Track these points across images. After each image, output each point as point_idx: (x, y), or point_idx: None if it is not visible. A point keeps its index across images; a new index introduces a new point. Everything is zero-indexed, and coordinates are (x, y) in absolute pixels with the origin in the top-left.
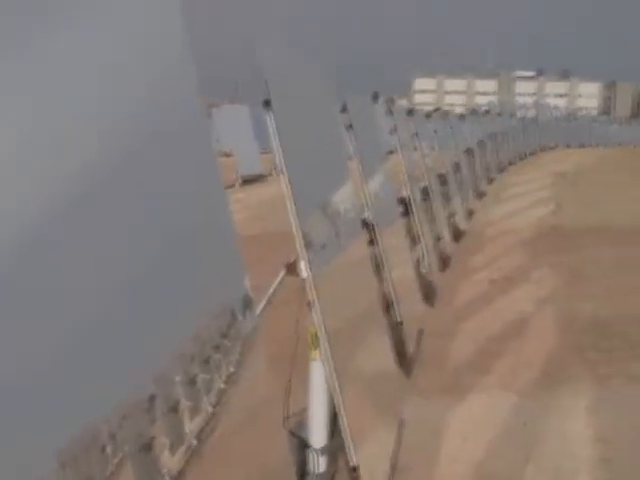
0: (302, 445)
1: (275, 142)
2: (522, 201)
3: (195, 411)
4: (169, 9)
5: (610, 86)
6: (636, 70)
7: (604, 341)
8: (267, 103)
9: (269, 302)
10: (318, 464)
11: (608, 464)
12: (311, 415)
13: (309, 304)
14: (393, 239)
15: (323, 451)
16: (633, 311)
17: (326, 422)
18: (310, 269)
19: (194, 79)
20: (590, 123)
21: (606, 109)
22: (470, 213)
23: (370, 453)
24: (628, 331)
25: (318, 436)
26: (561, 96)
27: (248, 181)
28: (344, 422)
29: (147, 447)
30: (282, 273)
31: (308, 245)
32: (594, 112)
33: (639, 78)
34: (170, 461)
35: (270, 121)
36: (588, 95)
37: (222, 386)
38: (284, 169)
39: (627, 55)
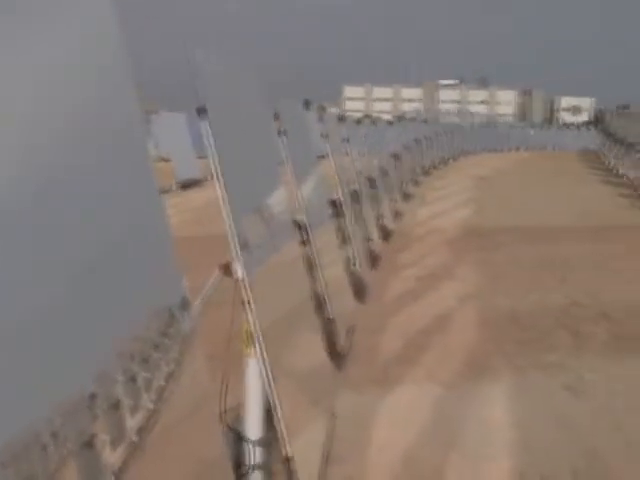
0: (238, 438)
1: (209, 148)
2: (446, 203)
3: (136, 408)
4: (105, 16)
5: (526, 94)
6: (549, 79)
7: (521, 334)
8: (201, 110)
9: (205, 302)
10: (254, 456)
11: (527, 449)
12: (246, 409)
13: (243, 303)
14: (325, 239)
15: (258, 443)
16: (547, 306)
17: (261, 415)
18: (244, 270)
19: (131, 85)
20: (508, 129)
21: (522, 115)
22: (398, 214)
23: (304, 444)
24: (542, 324)
25: (253, 429)
26: (481, 103)
27: (185, 186)
28: (278, 415)
29: (88, 444)
30: (217, 274)
31: (242, 246)
32: (512, 118)
33: (552, 86)
34: (112, 457)
35: (204, 127)
36: (506, 102)
37: (162, 383)
38: (218, 174)
39: (541, 65)
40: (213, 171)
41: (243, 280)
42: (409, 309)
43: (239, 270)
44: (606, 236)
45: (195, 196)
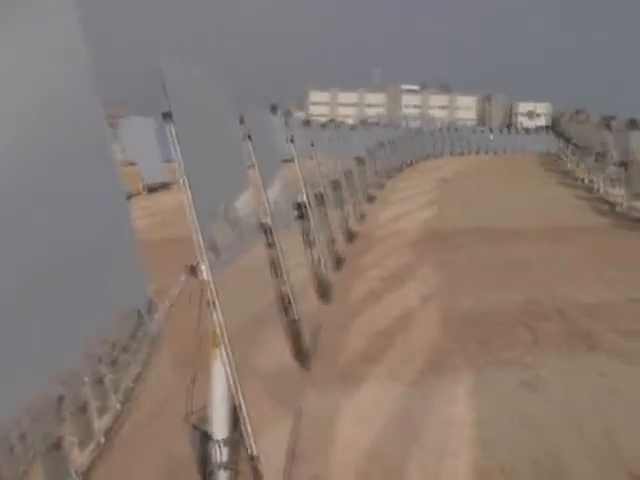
0: (205, 438)
1: (175, 152)
2: (408, 205)
3: (103, 410)
4: (70, 21)
5: (486, 99)
6: (508, 85)
7: (481, 332)
8: (167, 115)
9: (173, 304)
10: (220, 455)
11: (486, 443)
12: (213, 409)
13: (210, 305)
14: (291, 241)
15: (225, 442)
16: (506, 305)
17: (227, 415)
18: (210, 271)
19: (96, 90)
20: (468, 133)
21: (482, 120)
22: (362, 216)
23: (269, 443)
24: (502, 323)
25: (220, 428)
26: (443, 108)
27: (153, 189)
28: (244, 414)
29: (56, 446)
30: (184, 276)
31: (209, 249)
32: (472, 123)
33: (511, 92)
34: (79, 458)
35: (170, 132)
36: (466, 107)
37: (130, 385)
38: (184, 177)
39: (500, 71)
40: (179, 174)
41: (209, 282)
42: (372, 309)
43: (205, 272)
44: (562, 237)
45: (163, 199)
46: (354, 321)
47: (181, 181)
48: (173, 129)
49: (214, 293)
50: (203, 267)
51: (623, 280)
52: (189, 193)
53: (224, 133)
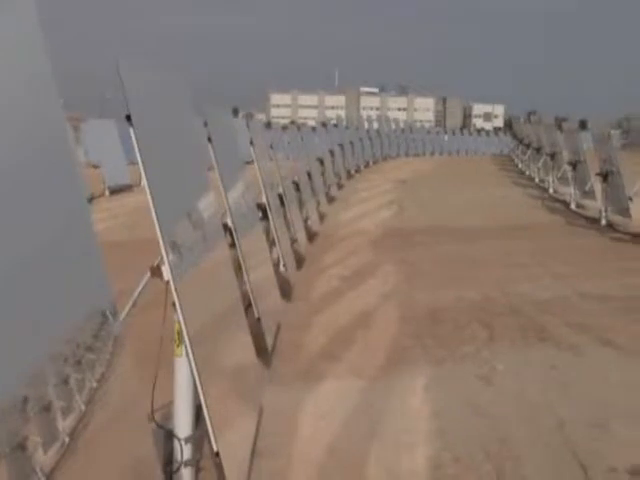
0: (169, 436)
1: (138, 154)
2: (368, 204)
3: (68, 410)
4: (29, 26)
5: (442, 101)
6: (463, 87)
7: (438, 328)
8: (129, 117)
9: (136, 304)
10: (183, 452)
11: (443, 435)
12: (176, 407)
13: (173, 304)
14: (253, 241)
15: (188, 440)
16: (463, 301)
17: (191, 413)
18: (173, 272)
19: (56, 94)
20: (425, 134)
21: (439, 121)
22: (322, 216)
23: (233, 439)
24: (458, 318)
25: (183, 426)
26: (401, 110)
27: (116, 191)
28: (207, 412)
29: (20, 447)
30: (147, 276)
31: (172, 249)
32: (429, 124)
33: (467, 94)
34: (44, 459)
35: (132, 134)
36: (424, 109)
37: (94, 385)
38: (146, 178)
39: (457, 74)
40: (141, 176)
41: (171, 282)
42: (333, 307)
43: (168, 272)
44: (516, 235)
45: (126, 201)
46: (315, 319)
47: (143, 183)
48: (134, 132)
49: (176, 293)
50: (166, 267)
51: (574, 275)
52: (151, 194)
53: (186, 136)
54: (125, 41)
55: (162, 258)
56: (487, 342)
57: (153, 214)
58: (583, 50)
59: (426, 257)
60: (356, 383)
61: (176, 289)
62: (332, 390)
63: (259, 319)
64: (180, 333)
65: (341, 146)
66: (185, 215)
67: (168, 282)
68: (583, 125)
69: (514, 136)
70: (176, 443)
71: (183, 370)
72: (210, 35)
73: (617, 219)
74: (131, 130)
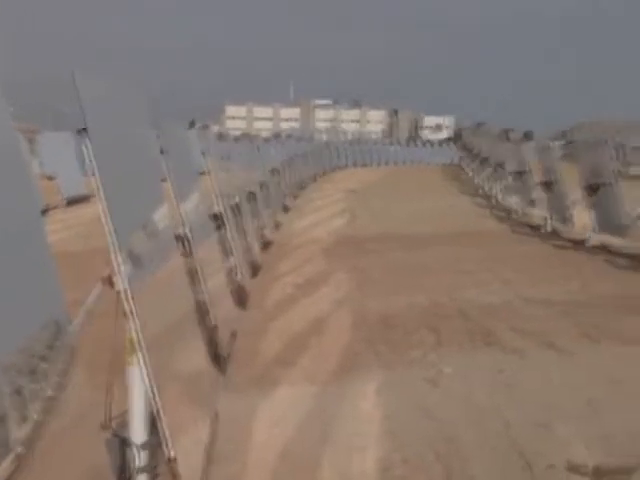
0: (124, 443)
1: (91, 166)
2: (321, 214)
3: (22, 420)
4: None
5: (394, 113)
6: (415, 100)
7: (389, 333)
8: (83, 129)
9: (91, 313)
10: (139, 459)
11: (393, 437)
12: (131, 414)
13: (126, 314)
14: (208, 251)
15: (143, 447)
16: (412, 307)
17: (146, 420)
18: (125, 281)
19: (6, 107)
20: (376, 145)
21: (389, 133)
22: (277, 225)
23: (187, 446)
24: (408, 324)
25: (138, 433)
26: (354, 122)
27: (72, 202)
28: (161, 419)
29: None
30: (100, 286)
31: (128, 259)
32: (380, 136)
33: (417, 106)
34: None
35: (86, 146)
36: (376, 121)
37: (49, 394)
38: (100, 190)
39: (408, 87)
40: (95, 187)
41: (124, 291)
42: (287, 314)
43: (121, 282)
44: (463, 242)
45: (81, 212)
46: (270, 325)
47: (97, 193)
48: (89, 144)
49: (129, 302)
50: (118, 277)
51: (519, 281)
52: (105, 205)
53: (141, 147)
54: (82, 52)
55: (114, 268)
56: (435, 346)
57: (105, 224)
58: (533, 61)
59: (378, 264)
60: (310, 389)
61: (128, 298)
62: (286, 396)
63: (215, 326)
64: (132, 342)
65: (295, 157)
66: (138, 225)
67: (120, 292)
68: (528, 136)
69: (463, 147)
70: (131, 450)
71: (137, 377)
72: (167, 48)
73: (560, 227)
74: (85, 142)
